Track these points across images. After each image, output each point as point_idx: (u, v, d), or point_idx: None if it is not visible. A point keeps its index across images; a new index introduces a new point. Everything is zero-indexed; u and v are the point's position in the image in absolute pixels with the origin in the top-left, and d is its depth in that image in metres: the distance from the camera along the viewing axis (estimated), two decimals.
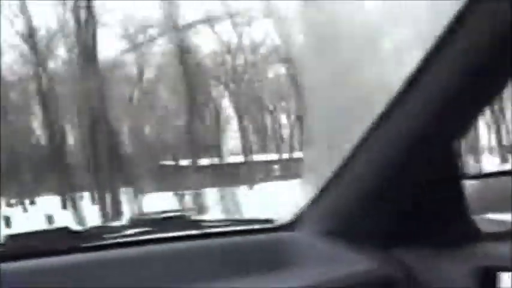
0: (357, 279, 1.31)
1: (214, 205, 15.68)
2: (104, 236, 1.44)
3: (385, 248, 1.35)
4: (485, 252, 1.30)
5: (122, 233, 1.45)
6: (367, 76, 1.37)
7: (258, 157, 20.41)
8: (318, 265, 1.34)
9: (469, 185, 1.56)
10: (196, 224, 1.54)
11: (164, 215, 1.57)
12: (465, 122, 1.29)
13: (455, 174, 1.36)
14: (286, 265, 1.36)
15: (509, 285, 1.20)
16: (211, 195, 16.81)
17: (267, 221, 1.55)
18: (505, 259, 1.24)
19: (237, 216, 13.67)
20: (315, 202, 1.42)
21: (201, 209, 15.41)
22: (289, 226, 1.47)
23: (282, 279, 1.33)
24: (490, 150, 21.76)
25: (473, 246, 1.31)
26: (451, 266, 1.29)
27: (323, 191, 1.40)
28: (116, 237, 1.43)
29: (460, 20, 1.15)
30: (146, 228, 1.46)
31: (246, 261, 1.36)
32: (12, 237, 1.39)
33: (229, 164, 19.07)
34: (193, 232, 1.47)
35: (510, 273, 1.21)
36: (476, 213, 1.53)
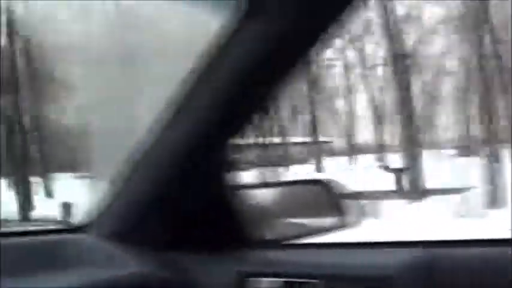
0: (131, 281, 1.37)
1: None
2: None
3: (164, 251, 1.43)
4: (250, 258, 1.43)
5: None
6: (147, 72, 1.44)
7: None
8: (96, 268, 1.39)
9: (265, 192, 1.73)
10: None
11: None
12: (237, 132, 1.38)
13: (229, 183, 1.46)
14: (67, 267, 1.39)
15: None
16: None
17: (62, 222, 1.60)
18: (265, 265, 1.39)
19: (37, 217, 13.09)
20: (105, 205, 1.48)
21: None
22: (81, 228, 1.51)
23: (51, 280, 1.35)
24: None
25: (241, 251, 1.44)
26: (218, 270, 1.41)
27: (112, 194, 1.46)
28: None
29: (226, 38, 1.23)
30: None
31: (28, 262, 1.38)
32: None
33: None
34: None
35: (265, 278, 1.34)
36: (276, 217, 1.71)
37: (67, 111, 19.47)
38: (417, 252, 1.26)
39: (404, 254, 1.26)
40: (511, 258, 1.14)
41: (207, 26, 1.27)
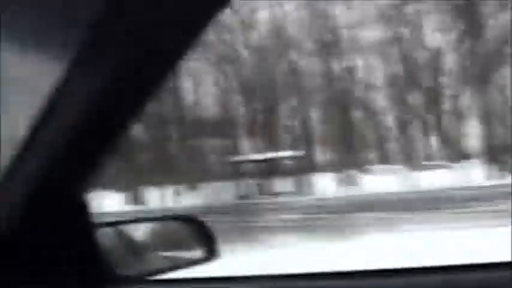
0: None
1: None
2: None
3: None
4: None
5: None
6: None
7: None
8: None
9: (130, 227, 1.72)
10: None
11: None
12: (96, 161, 1.36)
13: (90, 219, 1.45)
14: None
15: None
16: None
17: None
18: None
19: None
20: None
21: None
22: None
23: None
24: None
25: None
26: None
27: None
28: None
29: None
30: None
31: None
32: None
33: None
34: None
35: None
36: (141, 252, 1.70)
37: None
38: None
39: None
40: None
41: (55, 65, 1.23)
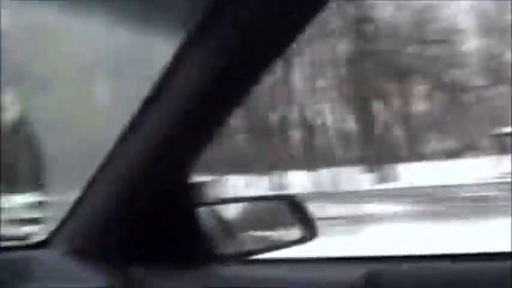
0: None
1: None
2: None
3: (126, 267, 1.43)
4: (213, 274, 1.44)
5: None
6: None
7: None
8: (58, 284, 1.40)
9: (229, 207, 1.75)
10: None
11: None
12: (200, 146, 1.39)
13: (191, 198, 1.48)
14: (29, 285, 1.40)
15: None
16: None
17: (22, 238, 1.59)
18: (228, 280, 1.40)
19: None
20: (66, 220, 1.48)
21: None
22: (42, 244, 1.51)
23: None
24: None
25: (205, 267, 1.45)
26: (182, 286, 1.42)
27: (73, 209, 1.46)
28: None
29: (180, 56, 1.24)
30: None
31: None
32: None
33: None
34: None
35: None
36: (240, 232, 1.72)
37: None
38: (371, 267, 1.29)
39: (361, 269, 1.29)
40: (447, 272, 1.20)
41: (162, 46, 1.28)
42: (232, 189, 20.16)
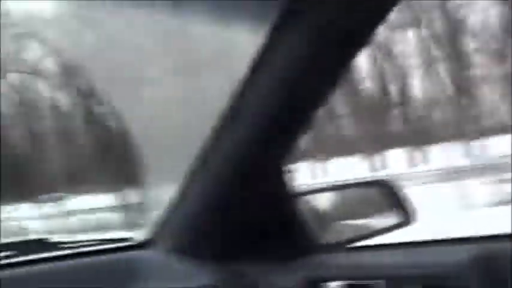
0: None
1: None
2: None
3: (229, 263, 1.44)
4: (315, 264, 1.44)
5: None
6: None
7: None
8: (165, 283, 1.43)
9: (325, 195, 1.73)
10: (55, 245, 1.57)
11: (23, 238, 1.59)
12: (296, 134, 1.39)
13: (289, 190, 1.47)
14: (137, 284, 1.43)
15: None
16: None
17: (123, 239, 1.63)
18: (330, 270, 1.39)
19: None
20: (167, 219, 1.50)
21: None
22: (144, 244, 1.54)
23: None
24: None
25: (307, 258, 1.44)
26: (285, 279, 1.41)
27: (174, 208, 1.48)
28: None
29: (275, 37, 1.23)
30: (5, 253, 1.48)
31: (100, 281, 1.43)
32: None
33: None
34: (52, 254, 1.50)
35: (332, 282, 1.35)
36: (338, 220, 1.71)
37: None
38: (475, 248, 1.25)
39: (463, 251, 1.25)
40: None
41: (251, 36, 1.28)
42: (331, 173, 20.03)
